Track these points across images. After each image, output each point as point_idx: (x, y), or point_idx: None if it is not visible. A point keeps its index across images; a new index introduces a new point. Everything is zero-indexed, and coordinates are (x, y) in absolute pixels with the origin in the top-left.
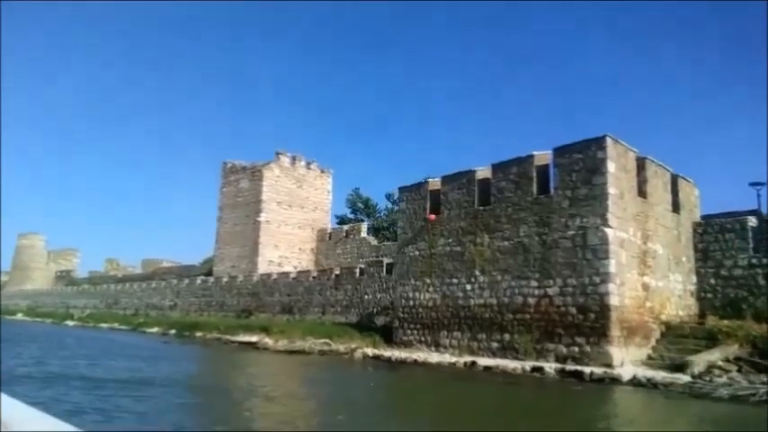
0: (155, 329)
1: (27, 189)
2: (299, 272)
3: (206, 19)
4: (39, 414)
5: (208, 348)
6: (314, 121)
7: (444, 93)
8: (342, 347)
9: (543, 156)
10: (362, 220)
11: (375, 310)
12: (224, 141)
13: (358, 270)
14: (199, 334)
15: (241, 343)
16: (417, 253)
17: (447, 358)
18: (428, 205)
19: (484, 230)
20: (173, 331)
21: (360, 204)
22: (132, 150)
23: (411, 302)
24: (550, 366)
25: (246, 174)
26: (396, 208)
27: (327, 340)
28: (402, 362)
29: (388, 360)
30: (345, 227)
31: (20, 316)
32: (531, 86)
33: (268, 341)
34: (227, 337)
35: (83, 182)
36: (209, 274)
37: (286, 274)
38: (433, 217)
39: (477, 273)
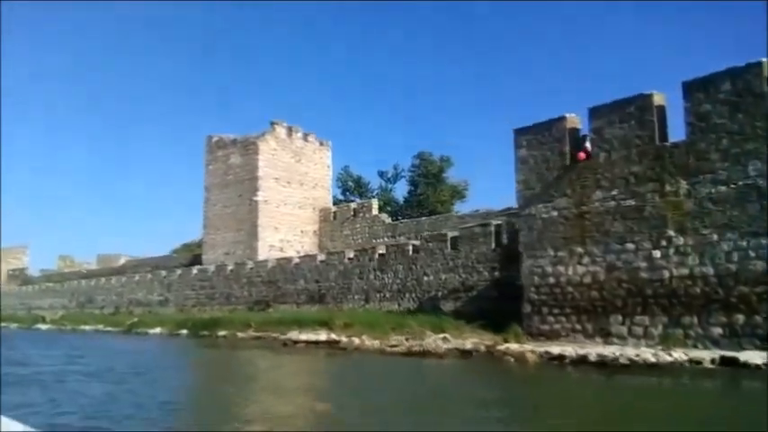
0: (157, 330)
1: None
2: (330, 253)
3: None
4: None
5: (275, 354)
6: (285, 89)
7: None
8: (468, 344)
9: None
10: (353, 201)
11: (440, 293)
12: (186, 121)
13: (411, 247)
14: (222, 333)
15: (309, 343)
16: (555, 213)
17: (666, 356)
18: (567, 148)
19: (678, 174)
20: (184, 331)
21: (351, 183)
22: (81, 135)
23: (551, 280)
24: None
25: (237, 148)
26: (390, 186)
27: (446, 335)
28: (620, 365)
29: (583, 360)
30: (353, 204)
31: None
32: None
33: (355, 340)
34: (283, 336)
35: (25, 173)
36: (191, 264)
37: (312, 257)
38: (583, 156)
39: (672, 233)
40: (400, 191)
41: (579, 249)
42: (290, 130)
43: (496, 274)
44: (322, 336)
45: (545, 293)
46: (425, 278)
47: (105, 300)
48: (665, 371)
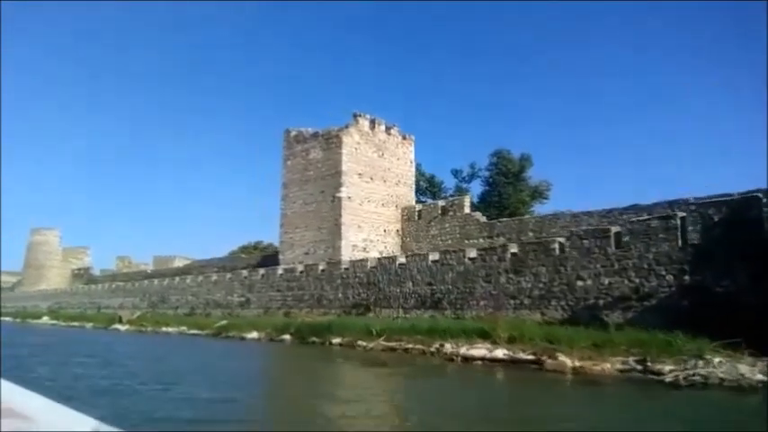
0: (253, 335)
1: (31, 184)
2: (445, 251)
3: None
4: (39, 398)
5: (477, 380)
6: (352, 84)
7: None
8: (757, 373)
9: None
10: (424, 202)
11: (601, 301)
12: (240, 128)
13: (557, 245)
14: (337, 340)
15: (488, 360)
16: None
17: None
18: None
19: None
20: (286, 337)
21: (423, 183)
22: (141, 144)
23: None
24: None
25: (319, 141)
26: (466, 186)
27: (720, 359)
28: None
29: None
30: (441, 202)
31: (45, 320)
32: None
33: (565, 361)
34: (434, 350)
35: (89, 177)
36: (261, 264)
37: (422, 256)
38: None
39: None
40: (474, 191)
41: None
42: (372, 123)
43: (686, 278)
44: (498, 352)
45: None
46: (579, 283)
47: (180, 300)
48: None
